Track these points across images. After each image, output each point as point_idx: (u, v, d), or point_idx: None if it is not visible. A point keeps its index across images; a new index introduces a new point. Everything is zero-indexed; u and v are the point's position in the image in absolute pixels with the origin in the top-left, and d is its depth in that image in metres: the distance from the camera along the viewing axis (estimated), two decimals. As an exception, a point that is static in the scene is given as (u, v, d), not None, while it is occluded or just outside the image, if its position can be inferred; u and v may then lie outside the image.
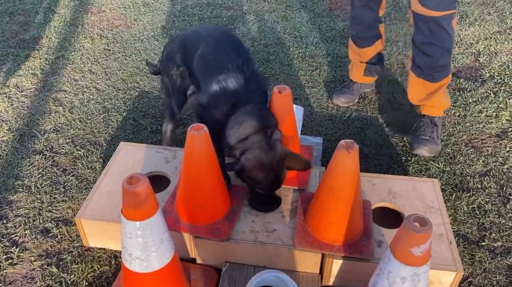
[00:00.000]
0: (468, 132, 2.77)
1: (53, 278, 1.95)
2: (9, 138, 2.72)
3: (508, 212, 2.26)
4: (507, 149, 2.64)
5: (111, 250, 2.07)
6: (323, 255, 1.86)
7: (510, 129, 2.79)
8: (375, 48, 2.85)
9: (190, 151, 1.79)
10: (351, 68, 3.03)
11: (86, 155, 2.59)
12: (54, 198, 2.33)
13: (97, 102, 3.03)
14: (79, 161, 2.55)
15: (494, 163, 2.54)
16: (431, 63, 2.44)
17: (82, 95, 3.10)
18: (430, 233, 1.31)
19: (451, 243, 1.87)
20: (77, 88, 3.17)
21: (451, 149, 2.65)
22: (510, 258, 2.04)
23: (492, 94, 3.09)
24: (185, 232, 1.90)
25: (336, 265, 1.81)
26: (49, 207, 2.27)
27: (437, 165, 2.53)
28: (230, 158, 1.99)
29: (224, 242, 1.87)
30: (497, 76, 3.27)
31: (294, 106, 2.54)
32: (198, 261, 2.00)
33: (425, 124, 2.62)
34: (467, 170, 2.50)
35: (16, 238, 2.13)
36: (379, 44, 2.84)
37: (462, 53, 3.51)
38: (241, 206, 2.02)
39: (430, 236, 1.31)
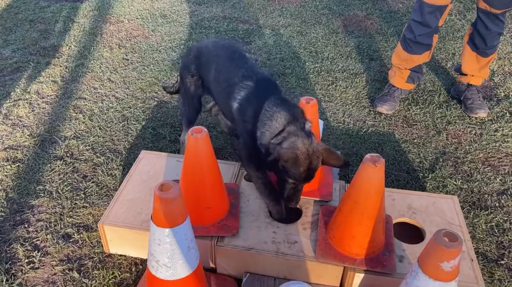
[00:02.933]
0: (484, 150, 2.79)
1: (74, 283, 1.97)
2: (30, 143, 2.76)
3: (526, 231, 2.27)
4: (524, 168, 2.65)
5: (132, 257, 2.08)
6: (344, 268, 1.87)
7: (527, 148, 2.81)
8: (423, 58, 3.03)
9: (194, 154, 1.83)
10: (394, 74, 3.15)
11: (106, 162, 2.62)
12: (75, 203, 2.35)
13: (116, 111, 3.07)
14: (99, 168, 2.58)
15: (511, 182, 2.55)
16: (485, 43, 2.96)
17: (102, 103, 3.14)
18: (460, 249, 1.32)
19: (472, 260, 1.87)
20: (96, 96, 3.22)
21: (468, 167, 2.66)
22: (529, 277, 2.04)
23: (507, 113, 3.11)
24: (197, 234, 1.90)
25: (357, 278, 1.82)
26: (70, 213, 2.29)
27: (454, 182, 2.55)
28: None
29: (234, 235, 1.93)
30: (512, 95, 3.30)
31: (315, 119, 2.57)
32: (218, 270, 2.01)
33: (474, 92, 3.14)
34: (485, 188, 2.51)
35: (38, 242, 2.15)
36: (427, 55, 3.02)
37: (477, 72, 3.54)
38: (238, 201, 2.09)
39: (460, 251, 1.32)
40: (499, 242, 2.20)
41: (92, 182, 2.48)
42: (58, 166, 2.58)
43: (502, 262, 2.11)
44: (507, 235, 2.23)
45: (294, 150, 1.82)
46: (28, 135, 2.82)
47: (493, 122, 3.03)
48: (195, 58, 2.35)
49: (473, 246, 2.16)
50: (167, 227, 1.51)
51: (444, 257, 1.33)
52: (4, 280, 1.97)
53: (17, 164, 2.60)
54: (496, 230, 2.26)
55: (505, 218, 2.33)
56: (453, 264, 1.33)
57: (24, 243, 2.14)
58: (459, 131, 2.96)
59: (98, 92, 3.26)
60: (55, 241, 2.15)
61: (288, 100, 2.01)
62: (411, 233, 2.06)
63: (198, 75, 2.34)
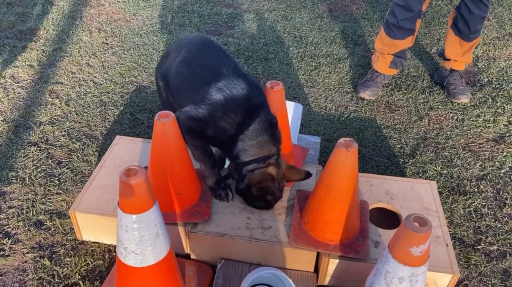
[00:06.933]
0: (465, 136, 2.77)
1: (45, 270, 1.93)
2: (4, 129, 2.69)
3: (504, 216, 2.26)
4: (504, 153, 2.64)
5: (105, 244, 2.04)
6: (318, 254, 1.85)
7: (508, 134, 2.80)
8: (406, 43, 2.99)
9: (161, 139, 1.77)
10: (377, 59, 3.11)
11: (82, 148, 2.57)
12: (48, 190, 2.30)
13: (94, 96, 3.00)
14: (75, 154, 2.53)
15: (491, 167, 2.54)
16: (469, 27, 2.92)
17: (79, 88, 3.07)
18: (429, 233, 1.30)
19: (447, 245, 1.86)
20: (74, 81, 3.14)
21: (449, 152, 2.65)
22: (505, 262, 2.04)
23: (490, 99, 3.09)
24: (167, 221, 1.87)
25: (332, 264, 1.80)
26: (43, 199, 2.24)
27: (434, 167, 2.53)
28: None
29: (206, 221, 1.90)
30: (495, 81, 3.28)
31: (294, 103, 2.54)
32: (192, 256, 1.98)
33: (457, 78, 3.10)
34: (464, 173, 2.50)
35: (9, 229, 2.10)
36: (410, 40, 2.98)
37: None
38: None
39: (429, 236, 1.30)
40: (476, 227, 2.20)
41: (67, 168, 2.43)
42: (32, 152, 2.52)
43: (479, 247, 2.11)
44: (485, 220, 2.23)
45: (267, 174, 1.89)
46: (1, 120, 2.75)
47: (475, 107, 3.02)
48: (166, 57, 2.21)
49: (451, 231, 2.16)
50: (134, 213, 1.47)
51: (413, 242, 1.31)
52: (-27, 268, 1.93)
53: (-10, 150, 2.54)
54: (474, 215, 2.25)
55: (483, 203, 2.32)
56: (423, 249, 1.31)
57: (-6, 231, 2.10)
58: (441, 116, 2.94)
59: (76, 77, 3.19)
60: (27, 228, 2.10)
61: (274, 123, 1.93)
62: (389, 219, 2.04)
63: (167, 79, 2.15)
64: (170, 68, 2.11)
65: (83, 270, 1.93)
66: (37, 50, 3.46)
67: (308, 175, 1.98)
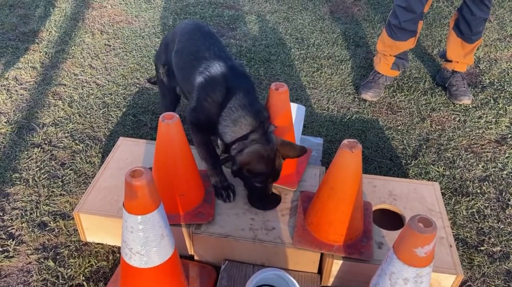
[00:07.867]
0: (468, 137, 2.78)
1: (49, 272, 1.93)
2: (7, 130, 2.69)
3: (507, 217, 2.26)
4: (507, 155, 2.65)
5: (109, 245, 2.05)
6: (322, 255, 1.85)
7: (510, 135, 2.80)
8: (408, 44, 2.99)
9: (165, 140, 1.78)
10: (379, 60, 3.12)
11: (85, 150, 2.57)
12: (52, 191, 2.30)
13: (96, 97, 3.01)
14: (78, 155, 2.53)
15: (493, 169, 2.55)
16: (470, 29, 2.92)
17: (82, 89, 3.08)
18: (434, 234, 1.30)
19: (451, 246, 1.87)
20: (76, 83, 3.15)
21: (451, 154, 2.65)
22: (508, 263, 2.04)
23: (492, 100, 3.10)
24: (171, 223, 1.87)
25: (336, 265, 1.80)
26: (47, 201, 2.25)
27: (437, 169, 2.54)
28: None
29: (210, 222, 1.90)
30: (497, 82, 3.29)
31: (296, 105, 2.54)
32: (196, 257, 1.98)
33: (458, 79, 3.11)
34: (467, 174, 2.51)
35: (13, 231, 2.11)
36: (412, 41, 2.97)
37: (463, 59, 3.52)
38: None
39: (434, 237, 1.31)
40: (479, 228, 2.20)
41: (70, 170, 2.44)
42: (36, 154, 2.53)
43: (482, 248, 2.11)
44: (488, 222, 2.23)
45: (254, 154, 1.84)
46: (4, 122, 2.75)
47: (477, 109, 3.02)
48: (165, 46, 2.29)
49: (454, 232, 2.16)
50: (139, 214, 1.47)
51: (418, 243, 1.31)
52: (-23, 269, 1.93)
53: (-7, 152, 2.54)
54: (476, 217, 2.26)
55: (486, 204, 2.32)
56: (428, 249, 1.32)
57: (-2, 232, 2.10)
58: (443, 118, 2.95)
59: (79, 79, 3.19)
60: (31, 229, 2.11)
61: (254, 100, 1.92)
62: (392, 220, 2.05)
63: (168, 64, 2.26)
64: (171, 59, 2.19)
65: (87, 271, 1.94)
66: (40, 52, 3.46)
67: (303, 150, 1.89)
